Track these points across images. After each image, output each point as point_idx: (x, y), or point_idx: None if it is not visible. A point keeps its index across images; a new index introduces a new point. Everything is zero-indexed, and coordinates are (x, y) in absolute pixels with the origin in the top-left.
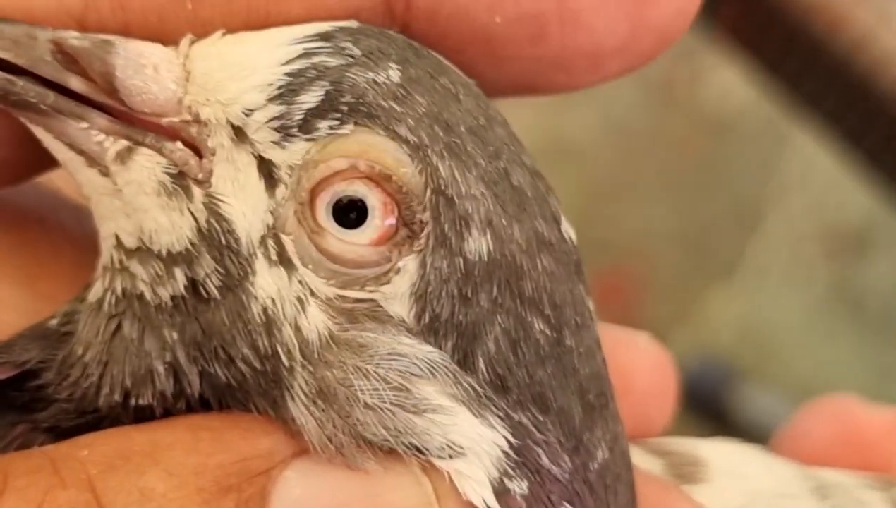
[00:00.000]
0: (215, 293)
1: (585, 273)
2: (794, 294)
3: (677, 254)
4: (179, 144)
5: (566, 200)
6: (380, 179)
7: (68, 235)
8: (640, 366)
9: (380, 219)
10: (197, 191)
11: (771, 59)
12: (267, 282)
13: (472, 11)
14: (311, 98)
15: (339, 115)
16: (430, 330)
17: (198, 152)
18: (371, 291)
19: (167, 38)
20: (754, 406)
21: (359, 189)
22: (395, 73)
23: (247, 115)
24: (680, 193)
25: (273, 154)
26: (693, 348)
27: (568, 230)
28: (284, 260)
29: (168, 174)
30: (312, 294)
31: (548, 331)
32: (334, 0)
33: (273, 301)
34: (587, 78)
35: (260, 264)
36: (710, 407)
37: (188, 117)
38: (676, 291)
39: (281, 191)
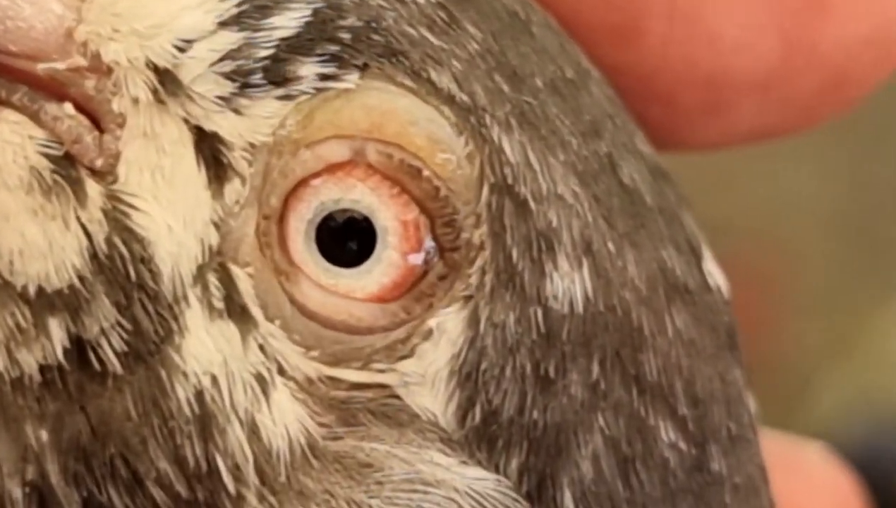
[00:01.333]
0: (115, 364)
1: (741, 348)
2: None
3: (835, 246)
4: (68, 107)
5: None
6: (402, 177)
7: None
8: (813, 502)
9: (397, 250)
10: (93, 189)
11: None
12: (204, 348)
13: None
14: (288, 21)
15: (335, 51)
16: (481, 437)
17: (97, 122)
18: (381, 370)
19: None
20: None
21: (363, 197)
22: None
23: (182, 50)
24: (842, 150)
25: (221, 123)
26: (857, 400)
27: (713, 272)
28: (236, 311)
29: (47, 157)
30: (281, 371)
31: (682, 445)
32: None
33: (214, 380)
34: (698, 123)
35: (193, 316)
36: (882, 496)
37: (82, 61)
38: (833, 306)
39: (234, 188)
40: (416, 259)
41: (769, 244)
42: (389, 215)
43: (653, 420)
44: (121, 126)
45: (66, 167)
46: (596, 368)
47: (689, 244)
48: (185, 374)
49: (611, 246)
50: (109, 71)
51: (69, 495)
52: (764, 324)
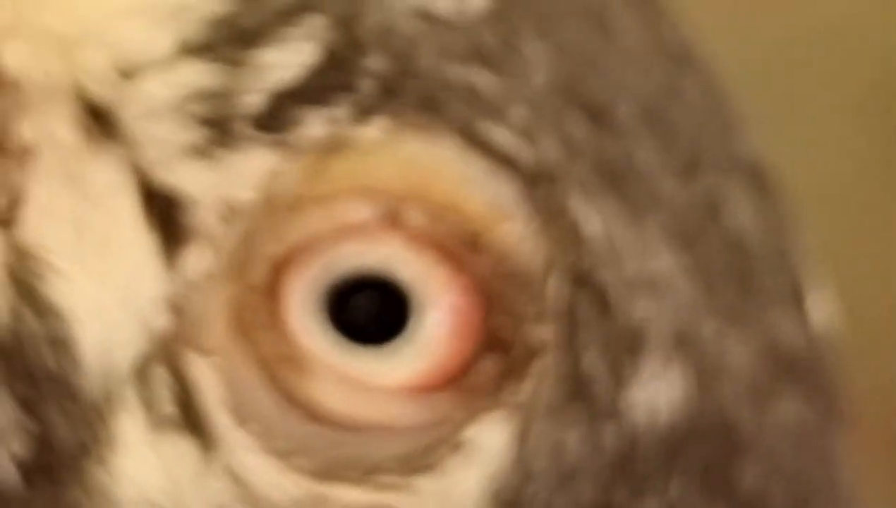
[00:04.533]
0: (14, 480)
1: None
2: None
3: None
4: None
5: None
6: (455, 246)
7: None
8: None
9: (443, 330)
10: None
11: None
12: (147, 469)
13: None
14: (286, 59)
15: (354, 100)
16: None
17: None
18: (387, 487)
19: None
20: None
21: (396, 256)
22: None
23: (127, 77)
24: None
25: (182, 174)
26: None
27: (816, 308)
28: (195, 420)
29: None
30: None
31: None
32: None
33: None
34: None
35: (131, 424)
36: None
37: None
38: None
39: (196, 255)
40: (465, 344)
41: None
42: (436, 288)
43: None
44: (30, 153)
45: None
46: (675, 490)
47: (794, 288)
48: (115, 505)
49: (711, 328)
50: (16, 87)
51: None
52: None
